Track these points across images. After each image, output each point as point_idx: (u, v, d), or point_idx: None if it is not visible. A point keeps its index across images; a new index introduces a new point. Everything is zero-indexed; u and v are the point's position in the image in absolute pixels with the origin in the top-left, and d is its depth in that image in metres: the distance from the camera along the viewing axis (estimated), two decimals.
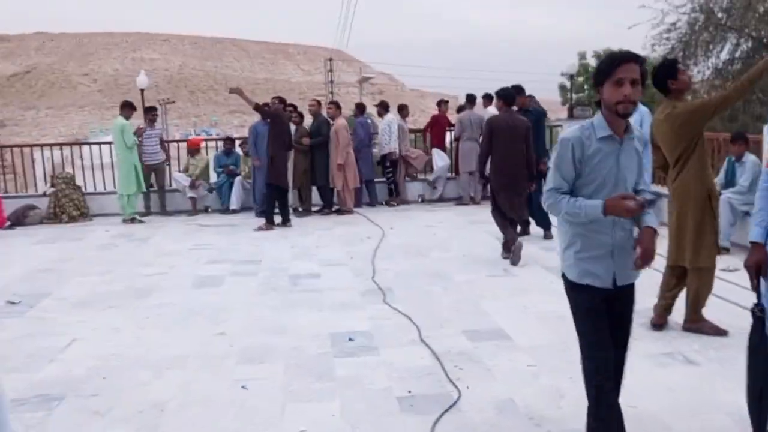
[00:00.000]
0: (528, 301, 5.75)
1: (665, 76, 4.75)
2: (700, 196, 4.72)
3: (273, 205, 9.93)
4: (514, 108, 7.68)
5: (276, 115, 9.93)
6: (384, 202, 12.06)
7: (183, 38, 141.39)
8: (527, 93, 8.94)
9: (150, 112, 11.86)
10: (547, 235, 8.46)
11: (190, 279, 6.91)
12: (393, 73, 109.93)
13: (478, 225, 9.50)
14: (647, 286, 4.68)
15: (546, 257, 7.43)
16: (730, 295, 5.62)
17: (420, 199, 12.45)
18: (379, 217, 10.56)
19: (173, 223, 10.72)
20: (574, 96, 34.78)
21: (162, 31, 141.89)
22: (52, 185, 11.41)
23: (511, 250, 7.17)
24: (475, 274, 6.79)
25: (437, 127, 12.67)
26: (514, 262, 7.11)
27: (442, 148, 12.46)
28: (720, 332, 4.74)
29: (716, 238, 4.85)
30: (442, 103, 13.01)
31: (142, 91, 13.86)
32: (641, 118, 8.64)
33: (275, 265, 7.46)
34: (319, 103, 11.37)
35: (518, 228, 8.15)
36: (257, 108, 9.73)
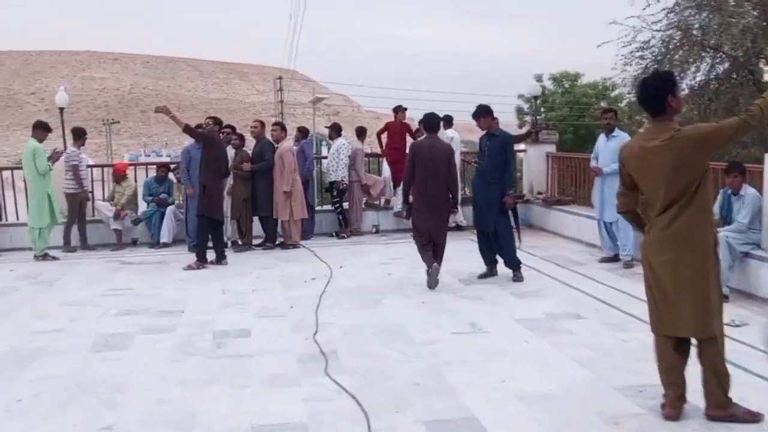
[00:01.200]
0: (504, 372, 4.65)
1: (664, 90, 3.73)
2: (707, 244, 3.71)
3: (205, 239, 8.72)
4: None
5: (209, 138, 8.74)
6: (334, 234, 10.92)
7: (135, 57, 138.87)
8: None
9: (80, 136, 10.44)
10: (517, 277, 7.44)
11: (91, 338, 5.65)
12: (348, 94, 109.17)
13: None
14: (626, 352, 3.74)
15: (518, 306, 6.39)
16: (744, 360, 4.63)
17: (374, 230, 11.35)
18: (327, 252, 9.42)
19: (92, 260, 9.39)
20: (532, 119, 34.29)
21: (113, 50, 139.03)
22: None
23: (428, 274, 7.16)
24: (438, 329, 5.68)
25: (393, 136, 11.47)
26: (431, 285, 7.13)
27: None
28: (756, 417, 3.72)
29: (721, 291, 3.88)
30: (399, 110, 11.63)
31: (61, 110, 12.57)
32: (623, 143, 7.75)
33: (199, 317, 6.25)
34: (262, 124, 10.16)
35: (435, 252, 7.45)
36: (187, 130, 8.52)
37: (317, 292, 7.01)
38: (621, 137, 7.96)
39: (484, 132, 7.57)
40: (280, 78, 33.53)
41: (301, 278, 7.81)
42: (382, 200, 11.65)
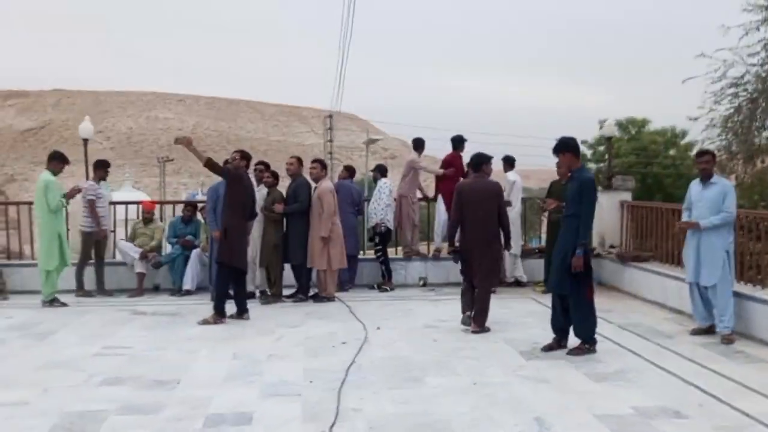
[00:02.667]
0: None
1: None
2: None
3: (224, 290, 7.60)
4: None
5: (234, 175, 7.68)
6: (375, 286, 9.67)
7: (198, 98, 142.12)
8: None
9: (101, 168, 9.56)
10: (587, 350, 6.05)
11: (52, 419, 4.48)
12: (405, 137, 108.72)
13: (496, 328, 7.09)
14: None
15: (598, 396, 4.98)
16: None
17: (421, 282, 10.05)
18: (365, 309, 8.17)
19: (103, 308, 8.37)
20: (598, 164, 32.56)
21: (178, 92, 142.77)
22: None
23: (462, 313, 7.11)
24: (494, 428, 4.34)
25: (453, 172, 10.13)
26: (465, 323, 7.07)
27: None
28: None
29: None
30: (458, 143, 10.34)
31: (85, 141, 11.83)
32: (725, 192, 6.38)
33: (195, 392, 5.04)
34: (299, 161, 9.03)
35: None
36: (209, 164, 7.46)
37: (345, 363, 5.74)
38: (722, 185, 6.55)
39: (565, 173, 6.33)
40: (330, 116, 32.62)
41: (330, 342, 6.57)
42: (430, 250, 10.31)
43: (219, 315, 7.47)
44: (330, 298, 8.69)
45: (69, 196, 8.70)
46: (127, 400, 4.86)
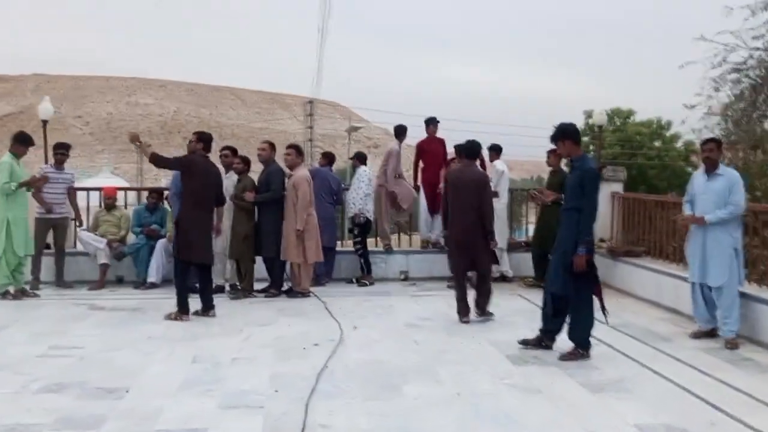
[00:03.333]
0: None
1: None
2: None
3: (183, 285, 7.03)
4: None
5: (184, 162, 7.12)
6: (354, 280, 9.13)
7: (180, 84, 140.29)
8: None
9: (58, 150, 8.91)
10: (580, 354, 5.57)
11: None
12: (389, 126, 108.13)
13: (481, 329, 6.60)
14: None
15: (596, 410, 4.49)
16: None
17: (402, 276, 9.53)
18: (342, 305, 7.64)
19: (60, 302, 7.76)
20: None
21: (159, 77, 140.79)
22: None
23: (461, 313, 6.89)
24: None
25: (428, 155, 9.66)
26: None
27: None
28: None
29: None
30: (431, 123, 9.78)
31: (44, 123, 11.17)
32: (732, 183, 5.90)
33: (145, 402, 4.48)
34: (271, 146, 8.42)
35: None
36: (153, 160, 6.93)
37: (316, 368, 5.20)
38: (728, 176, 6.06)
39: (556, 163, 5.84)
40: (311, 102, 31.81)
41: (301, 343, 6.02)
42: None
43: (181, 312, 6.91)
44: (305, 294, 8.12)
45: (30, 183, 8.01)
46: (65, 412, 4.29)
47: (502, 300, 7.88)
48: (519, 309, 7.61)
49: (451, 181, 7.01)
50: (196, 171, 7.03)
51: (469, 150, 7.23)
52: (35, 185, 8.10)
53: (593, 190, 5.44)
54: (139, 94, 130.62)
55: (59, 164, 8.77)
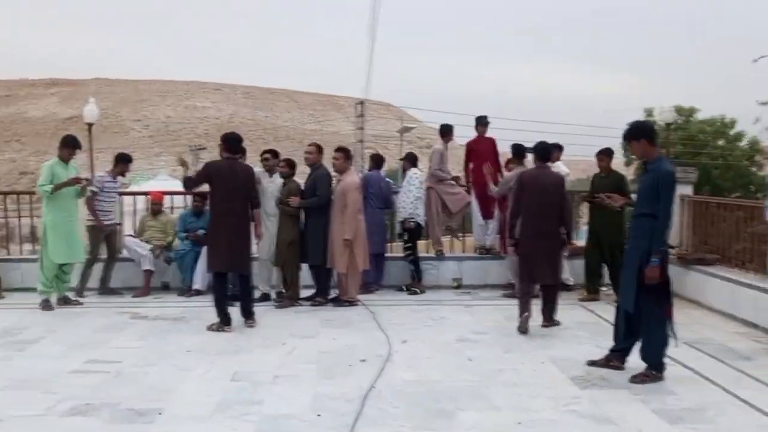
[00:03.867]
0: None
1: None
2: None
3: (219, 295, 6.81)
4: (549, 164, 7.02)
5: (206, 172, 6.87)
6: (404, 288, 8.71)
7: (236, 87, 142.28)
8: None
9: (124, 163, 8.59)
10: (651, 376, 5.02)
11: None
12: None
13: (541, 344, 6.10)
14: None
15: None
16: None
17: (455, 284, 9.06)
18: (391, 315, 7.24)
19: (102, 311, 7.57)
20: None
21: (216, 80, 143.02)
22: None
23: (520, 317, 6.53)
24: None
25: (479, 157, 9.09)
26: (522, 330, 6.46)
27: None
28: None
29: None
30: (481, 123, 9.28)
31: (89, 126, 11.10)
32: None
33: (176, 429, 4.16)
34: (318, 148, 8.04)
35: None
36: (185, 183, 7.11)
37: (362, 389, 4.81)
38: None
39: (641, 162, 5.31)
40: (361, 102, 31.41)
41: (346, 358, 5.64)
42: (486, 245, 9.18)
43: (222, 323, 6.63)
44: (352, 303, 7.76)
45: (67, 185, 7.78)
46: None
47: (562, 310, 7.34)
48: (581, 321, 7.08)
49: (526, 183, 6.70)
50: (217, 176, 6.74)
51: (543, 151, 6.90)
52: (79, 187, 7.74)
53: (669, 194, 4.89)
54: (196, 97, 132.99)
55: (119, 175, 8.59)
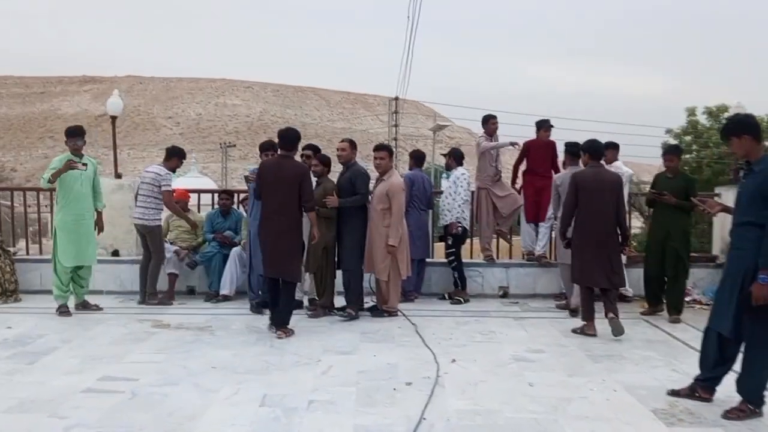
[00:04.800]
0: None
1: None
2: None
3: (274, 303, 6.47)
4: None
5: (259, 173, 6.54)
6: (447, 296, 8.06)
7: (266, 85, 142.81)
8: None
9: (177, 157, 7.88)
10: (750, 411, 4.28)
11: None
12: (472, 129, 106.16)
13: (609, 366, 5.39)
14: None
15: None
16: None
17: (501, 293, 8.38)
18: (435, 328, 6.59)
19: (121, 318, 7.02)
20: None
21: (246, 78, 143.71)
22: None
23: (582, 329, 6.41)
24: None
25: (535, 160, 8.49)
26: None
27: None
28: None
29: None
30: (543, 127, 8.60)
31: (113, 119, 10.66)
32: None
33: None
34: (351, 144, 7.36)
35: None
36: (256, 193, 6.57)
37: (410, 421, 4.15)
38: None
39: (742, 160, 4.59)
40: (396, 98, 30.65)
41: (389, 379, 4.99)
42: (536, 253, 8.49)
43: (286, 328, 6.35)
44: (392, 313, 7.12)
45: (63, 172, 6.88)
46: None
47: (626, 326, 6.66)
48: (649, 339, 6.36)
49: (582, 183, 6.40)
50: (265, 176, 6.38)
51: (595, 149, 6.63)
52: (63, 171, 6.88)
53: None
54: (227, 95, 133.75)
55: (173, 170, 7.90)
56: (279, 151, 6.60)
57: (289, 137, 6.48)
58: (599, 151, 6.74)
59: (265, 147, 7.31)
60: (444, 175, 23.20)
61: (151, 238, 7.66)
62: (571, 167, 7.34)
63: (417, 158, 8.35)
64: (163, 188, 7.59)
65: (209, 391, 4.72)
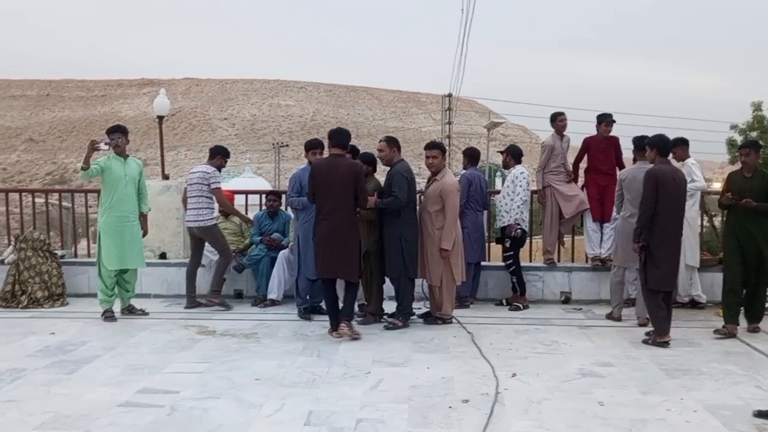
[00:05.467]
0: None
1: None
2: None
3: (331, 305, 6.35)
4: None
5: (312, 173, 6.40)
6: (504, 302, 7.62)
7: (318, 86, 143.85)
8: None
9: (221, 155, 7.61)
10: None
11: None
12: (527, 126, 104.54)
13: (686, 382, 4.89)
14: None
15: None
16: None
17: (563, 298, 7.90)
18: (493, 338, 6.18)
19: (166, 324, 6.81)
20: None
21: (299, 79, 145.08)
22: (16, 249, 7.86)
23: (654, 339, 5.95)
24: None
25: (596, 156, 7.99)
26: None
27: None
28: None
29: None
30: (604, 121, 8.03)
31: (160, 119, 10.51)
32: None
33: None
34: (390, 143, 6.79)
35: None
36: (309, 196, 6.48)
37: None
38: None
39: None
40: (450, 95, 30.03)
41: (446, 397, 4.60)
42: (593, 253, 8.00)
43: (332, 327, 6.25)
44: (446, 320, 6.73)
45: (90, 153, 6.54)
46: None
47: (701, 337, 6.15)
48: (728, 351, 5.81)
49: (663, 181, 5.97)
50: (318, 175, 6.19)
51: (665, 144, 6.24)
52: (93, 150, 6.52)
53: None
54: (280, 96, 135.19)
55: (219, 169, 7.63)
56: (330, 151, 6.36)
57: (341, 136, 6.33)
58: (668, 147, 6.35)
59: (312, 145, 7.02)
60: (498, 174, 22.47)
61: (210, 238, 7.47)
62: (640, 163, 6.87)
63: (472, 156, 7.90)
64: (213, 185, 7.40)
65: (252, 407, 4.42)
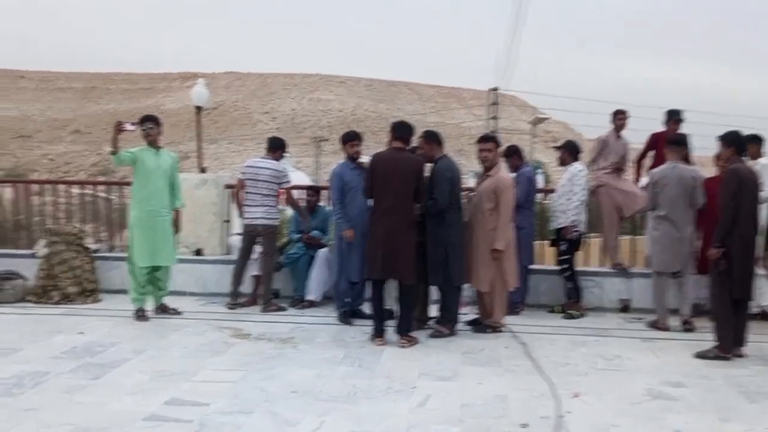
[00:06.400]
0: None
1: None
2: None
3: (377, 307, 6.00)
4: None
5: (371, 167, 6.06)
6: (560, 309, 7.12)
7: (359, 80, 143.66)
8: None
9: (282, 148, 7.30)
10: None
11: None
12: (571, 123, 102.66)
13: (766, 406, 4.37)
14: None
15: None
16: None
17: (621, 306, 7.36)
18: (548, 349, 5.70)
19: (199, 325, 6.47)
20: None
21: (339, 73, 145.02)
22: (47, 243, 7.62)
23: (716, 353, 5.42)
24: None
25: (659, 156, 7.52)
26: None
27: None
28: None
29: None
30: (674, 118, 7.65)
31: (198, 109, 10.15)
32: None
33: None
34: (429, 139, 6.25)
35: None
36: (365, 191, 6.15)
37: None
38: None
39: None
40: (495, 89, 29.28)
41: (500, 419, 4.15)
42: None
43: (374, 334, 5.93)
44: (496, 328, 6.26)
45: (115, 135, 6.32)
46: None
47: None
48: None
49: (746, 181, 5.52)
50: (377, 169, 5.86)
51: (741, 142, 5.74)
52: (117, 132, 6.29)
53: None
54: (321, 90, 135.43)
55: (280, 159, 7.27)
56: (392, 144, 5.98)
57: (404, 128, 5.99)
58: (744, 144, 5.82)
59: (349, 137, 6.66)
60: (540, 171, 21.84)
61: (269, 238, 7.11)
62: (671, 161, 6.43)
63: (515, 153, 7.38)
64: (285, 185, 7.12)
65: (287, 424, 4.03)
